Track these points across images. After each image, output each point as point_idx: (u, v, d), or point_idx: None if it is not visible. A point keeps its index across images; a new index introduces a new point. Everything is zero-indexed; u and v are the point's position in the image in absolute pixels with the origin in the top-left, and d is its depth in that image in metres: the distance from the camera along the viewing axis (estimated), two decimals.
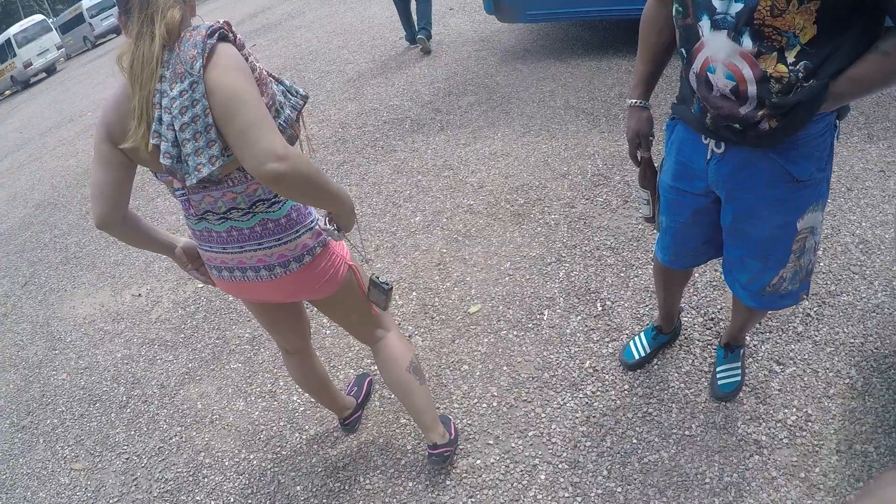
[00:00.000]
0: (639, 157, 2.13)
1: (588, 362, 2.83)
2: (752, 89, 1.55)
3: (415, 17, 7.72)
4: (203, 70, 1.58)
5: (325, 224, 1.93)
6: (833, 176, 3.61)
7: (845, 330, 2.64)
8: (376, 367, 3.08)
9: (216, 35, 1.64)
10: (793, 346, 2.62)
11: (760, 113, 1.58)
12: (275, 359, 3.52)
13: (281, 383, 3.35)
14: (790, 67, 1.48)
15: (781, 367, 2.56)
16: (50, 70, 27.80)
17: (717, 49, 1.56)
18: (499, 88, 5.84)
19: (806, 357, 2.57)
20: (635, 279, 3.20)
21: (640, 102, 2.05)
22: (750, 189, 1.79)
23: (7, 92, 28.25)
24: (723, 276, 2.16)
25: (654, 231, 2.28)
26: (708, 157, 1.82)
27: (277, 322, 2.39)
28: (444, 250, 3.84)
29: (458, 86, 6.22)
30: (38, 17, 28.95)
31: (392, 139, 5.51)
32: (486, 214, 4.03)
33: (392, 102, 6.35)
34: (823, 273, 2.93)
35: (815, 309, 2.76)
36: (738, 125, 1.65)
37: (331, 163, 5.42)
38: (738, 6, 1.47)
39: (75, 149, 10.00)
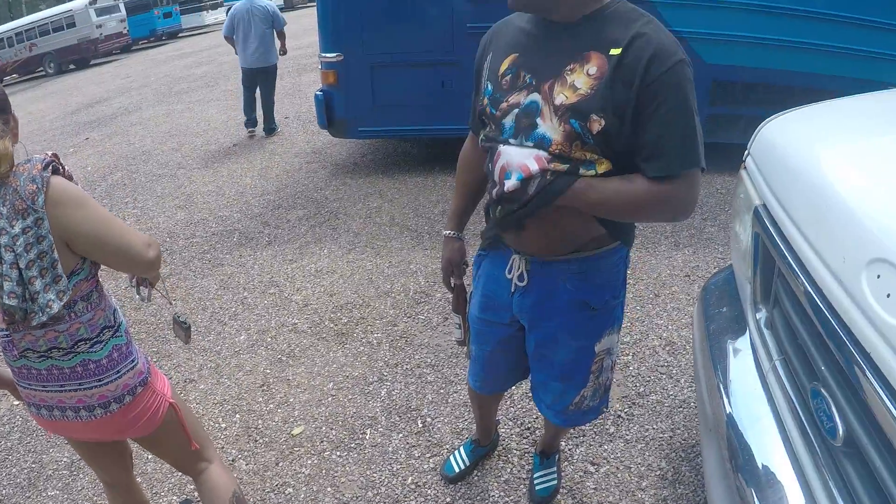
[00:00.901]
0: (452, 284, 2.31)
1: (410, 478, 2.92)
2: (538, 180, 1.69)
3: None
4: (44, 205, 1.62)
5: (138, 289, 1.97)
6: (641, 283, 4.00)
7: (655, 426, 2.90)
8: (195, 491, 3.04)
9: (50, 168, 1.68)
10: (606, 447, 2.85)
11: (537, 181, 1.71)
12: (94, 485, 3.35)
13: None
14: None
15: (596, 467, 2.77)
16: None
17: (514, 156, 1.73)
18: (327, 203, 6.02)
19: (619, 455, 2.80)
20: (455, 395, 3.37)
21: (454, 234, 2.24)
22: (550, 318, 1.98)
23: None
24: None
25: (466, 358, 2.47)
26: (512, 290, 2.02)
27: (98, 456, 2.32)
28: (268, 371, 3.86)
29: (288, 199, 6.35)
30: None
31: (220, 252, 5.51)
32: (311, 334, 4.11)
33: (222, 213, 6.37)
34: (633, 376, 3.21)
35: (625, 410, 3.02)
36: (515, 206, 1.77)
37: None
38: (530, 144, 1.69)
39: None
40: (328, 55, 6.44)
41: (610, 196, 1.68)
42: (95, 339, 1.90)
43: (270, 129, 9.04)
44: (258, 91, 8.86)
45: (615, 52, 1.60)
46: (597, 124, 1.61)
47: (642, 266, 4.30)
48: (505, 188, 1.76)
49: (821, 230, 1.51)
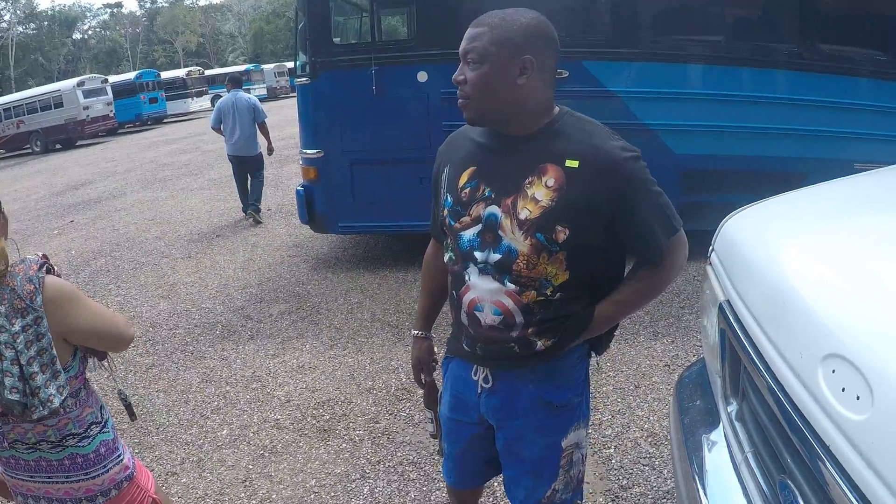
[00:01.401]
0: (423, 381, 2.44)
1: None
2: (518, 318, 1.87)
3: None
4: (42, 305, 1.77)
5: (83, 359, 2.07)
6: (621, 375, 4.13)
7: None
8: None
9: (44, 269, 1.84)
10: None
11: (530, 330, 1.90)
12: None
13: None
14: (548, 296, 1.86)
15: None
16: None
17: (483, 290, 1.89)
18: (309, 297, 6.17)
19: None
20: (437, 492, 3.43)
21: (422, 333, 2.36)
22: (516, 417, 2.08)
23: None
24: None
25: (439, 454, 2.58)
26: (479, 391, 2.13)
27: None
28: (251, 466, 3.91)
29: (271, 292, 6.50)
30: None
31: (202, 345, 5.60)
32: (293, 430, 4.19)
33: (204, 305, 6.47)
34: (615, 469, 3.31)
35: (608, 503, 3.10)
36: (515, 347, 1.94)
37: (139, 365, 5.39)
38: (497, 256, 1.85)
39: None
40: (309, 151, 6.70)
41: (625, 306, 1.98)
42: (83, 434, 2.00)
43: (256, 209, 9.58)
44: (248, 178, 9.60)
45: (571, 163, 1.77)
46: (562, 234, 1.78)
47: (622, 357, 4.44)
48: (482, 323, 1.93)
49: (780, 326, 1.58)
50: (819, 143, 5.91)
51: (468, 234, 1.91)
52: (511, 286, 1.85)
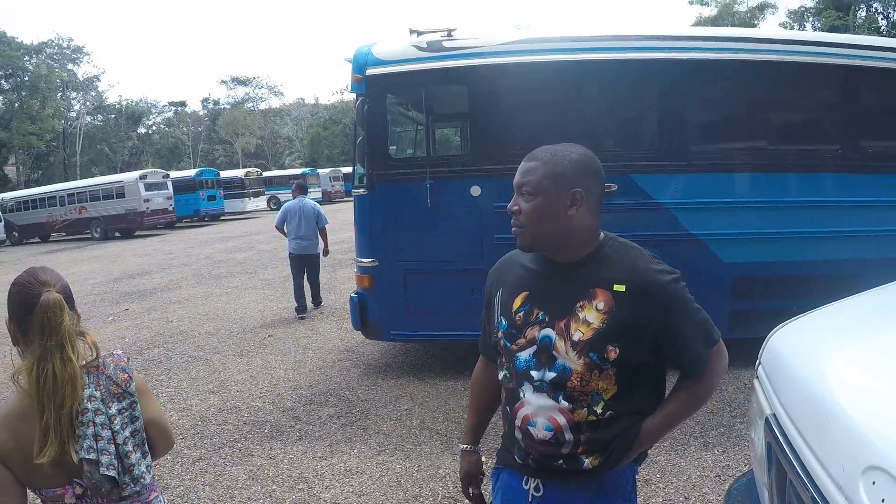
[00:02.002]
0: (471, 493, 2.51)
1: None
2: (567, 435, 2.00)
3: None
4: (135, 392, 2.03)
5: None
6: (671, 486, 4.11)
7: None
8: None
9: (129, 362, 2.09)
10: None
11: (579, 449, 2.01)
12: None
13: None
14: (598, 415, 1.98)
15: None
16: None
17: (537, 406, 2.03)
18: (359, 402, 6.27)
19: None
20: None
21: (471, 447, 2.47)
22: None
23: None
24: None
25: None
26: (529, 500, 2.19)
27: None
28: None
29: (320, 395, 6.62)
30: None
31: (251, 442, 5.69)
32: None
33: (254, 403, 6.60)
34: None
35: None
36: (563, 463, 2.05)
37: (187, 457, 5.49)
38: (552, 375, 1.99)
39: None
40: (364, 260, 6.92)
41: (671, 418, 2.08)
42: None
43: (318, 302, 10.83)
44: (306, 277, 10.51)
45: (619, 288, 1.94)
46: (612, 353, 1.93)
47: (672, 468, 4.42)
48: (535, 438, 2.05)
49: (823, 439, 1.65)
50: (869, 244, 5.97)
51: (524, 354, 2.06)
52: (564, 403, 1.99)
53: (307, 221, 10.20)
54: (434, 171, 6.55)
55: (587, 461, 2.03)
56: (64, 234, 35.18)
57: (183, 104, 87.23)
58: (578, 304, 1.98)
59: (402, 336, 7.11)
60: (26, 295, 1.97)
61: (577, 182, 1.96)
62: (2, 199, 36.47)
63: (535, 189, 1.96)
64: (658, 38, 6.31)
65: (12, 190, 43.44)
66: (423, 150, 7.00)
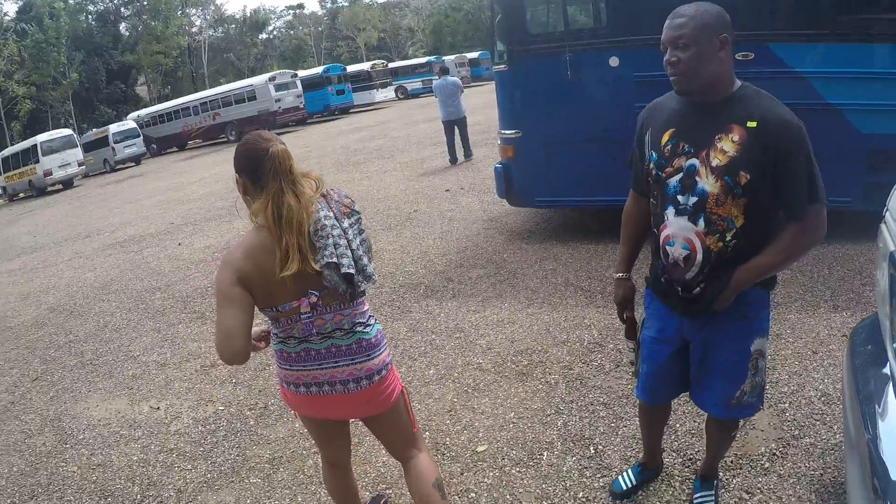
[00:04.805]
0: (625, 317, 2.99)
1: (581, 493, 3.46)
2: (698, 257, 2.45)
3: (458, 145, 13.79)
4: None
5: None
6: (800, 342, 4.45)
7: (806, 465, 3.32)
8: (387, 488, 3.70)
9: None
10: (760, 479, 3.29)
11: (698, 279, 2.47)
12: (294, 479, 3.98)
13: (299, 499, 3.81)
14: (726, 244, 2.41)
15: (750, 495, 3.20)
16: (67, 183, 29.87)
17: (677, 227, 2.49)
18: (506, 264, 6.82)
19: (772, 487, 3.22)
20: (624, 429, 3.88)
21: (625, 275, 2.95)
22: (715, 330, 2.61)
23: (21, 194, 30.54)
24: (696, 406, 2.90)
25: (634, 377, 3.09)
26: (679, 319, 2.68)
27: (333, 438, 2.94)
28: (455, 400, 4.53)
29: (469, 259, 7.22)
30: (66, 132, 31.57)
31: (408, 301, 6.36)
32: (494, 372, 4.79)
33: (407, 269, 7.28)
34: (789, 421, 3.64)
35: (780, 449, 3.45)
36: (679, 288, 2.54)
37: None
38: (694, 199, 2.42)
39: (93, 264, 11.06)
40: (507, 132, 7.35)
41: (765, 265, 2.44)
42: (366, 322, 2.65)
43: (468, 154, 13.93)
44: (456, 135, 13.70)
45: (752, 124, 2.31)
46: (743, 178, 2.32)
47: (801, 326, 4.70)
48: (670, 257, 2.52)
49: None
50: None
51: (672, 181, 2.50)
52: (701, 225, 2.43)
53: (453, 93, 13.45)
54: (573, 45, 6.75)
55: (698, 289, 2.49)
56: (199, 140, 37.20)
57: (301, 6, 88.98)
58: (717, 137, 2.38)
59: (546, 202, 7.57)
60: (256, 149, 2.46)
61: (720, 29, 2.33)
62: (138, 116, 39.03)
63: (690, 40, 2.32)
64: None
65: (145, 107, 45.86)
66: (561, 24, 7.17)
